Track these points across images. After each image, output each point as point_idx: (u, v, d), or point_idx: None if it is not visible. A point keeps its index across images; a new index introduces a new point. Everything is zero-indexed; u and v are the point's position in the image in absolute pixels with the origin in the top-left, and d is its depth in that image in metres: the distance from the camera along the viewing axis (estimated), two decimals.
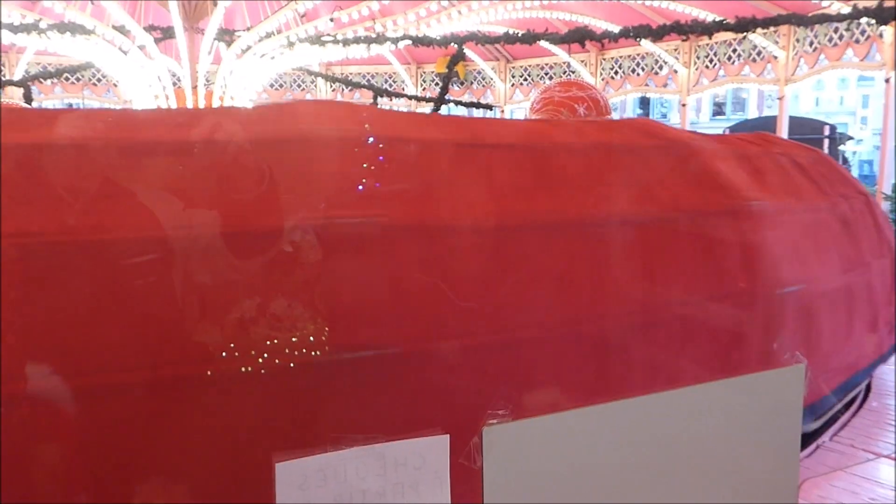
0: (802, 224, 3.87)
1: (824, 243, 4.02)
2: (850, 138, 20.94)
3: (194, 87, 7.90)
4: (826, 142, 14.56)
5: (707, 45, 10.76)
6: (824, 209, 4.16)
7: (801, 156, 4.39)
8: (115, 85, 10.55)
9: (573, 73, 12.60)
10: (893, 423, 4.10)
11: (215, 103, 8.01)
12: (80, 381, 1.98)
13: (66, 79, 12.02)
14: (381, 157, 2.56)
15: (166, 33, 8.57)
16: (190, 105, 7.78)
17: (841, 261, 4.07)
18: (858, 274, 4.21)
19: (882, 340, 4.54)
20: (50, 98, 12.63)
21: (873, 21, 7.21)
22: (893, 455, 3.61)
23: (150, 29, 8.22)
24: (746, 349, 3.30)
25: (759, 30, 8.03)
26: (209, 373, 2.08)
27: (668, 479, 1.38)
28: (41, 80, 11.40)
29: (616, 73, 12.26)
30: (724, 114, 43.12)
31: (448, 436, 1.30)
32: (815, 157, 4.64)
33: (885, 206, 8.71)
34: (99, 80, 12.61)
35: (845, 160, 17.05)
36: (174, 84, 7.97)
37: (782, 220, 3.67)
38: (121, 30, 7.51)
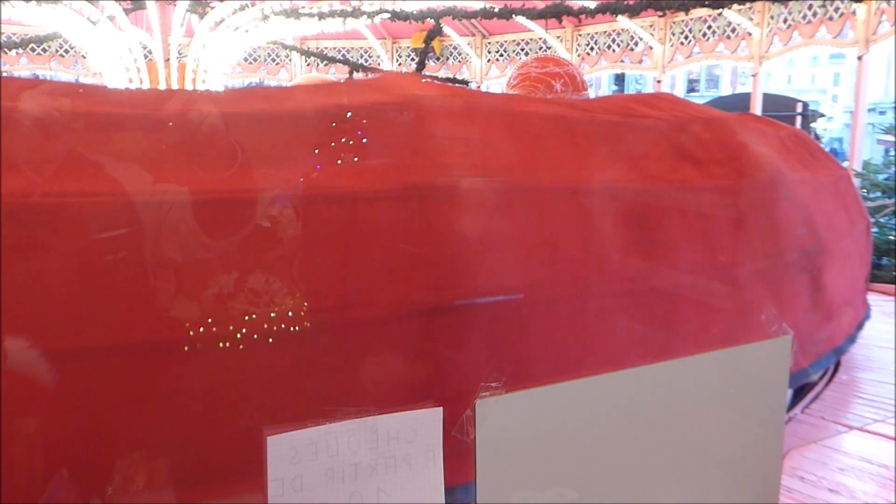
0: (557, 212, 2.86)
1: (587, 238, 2.97)
2: (822, 115, 21.20)
3: (166, 60, 7.77)
4: (799, 118, 14.69)
5: (682, 21, 10.79)
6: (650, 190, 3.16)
7: (702, 127, 3.58)
8: (84, 56, 10.32)
9: (549, 48, 12.57)
10: (862, 395, 4.19)
11: (188, 77, 7.89)
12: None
13: (33, 49, 11.73)
14: None
15: (136, 4, 8.37)
16: (162, 77, 7.65)
17: (611, 264, 3.01)
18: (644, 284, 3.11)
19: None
20: (15, 69, 12.31)
21: None
22: (863, 427, 3.70)
23: None
24: (453, 373, 2.51)
25: (734, 6, 8.09)
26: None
27: (657, 449, 1.40)
28: (6, 50, 11.11)
29: (592, 49, 12.26)
30: (698, 91, 43.41)
31: (441, 408, 1.30)
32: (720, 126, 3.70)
33: (856, 182, 8.85)
34: (67, 52, 12.30)
35: (817, 137, 17.24)
36: (145, 56, 7.83)
37: (504, 204, 2.70)
38: None
